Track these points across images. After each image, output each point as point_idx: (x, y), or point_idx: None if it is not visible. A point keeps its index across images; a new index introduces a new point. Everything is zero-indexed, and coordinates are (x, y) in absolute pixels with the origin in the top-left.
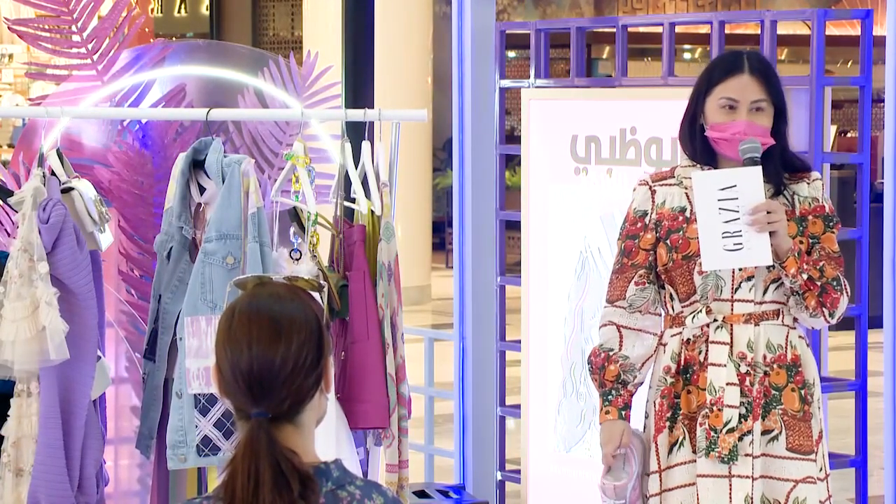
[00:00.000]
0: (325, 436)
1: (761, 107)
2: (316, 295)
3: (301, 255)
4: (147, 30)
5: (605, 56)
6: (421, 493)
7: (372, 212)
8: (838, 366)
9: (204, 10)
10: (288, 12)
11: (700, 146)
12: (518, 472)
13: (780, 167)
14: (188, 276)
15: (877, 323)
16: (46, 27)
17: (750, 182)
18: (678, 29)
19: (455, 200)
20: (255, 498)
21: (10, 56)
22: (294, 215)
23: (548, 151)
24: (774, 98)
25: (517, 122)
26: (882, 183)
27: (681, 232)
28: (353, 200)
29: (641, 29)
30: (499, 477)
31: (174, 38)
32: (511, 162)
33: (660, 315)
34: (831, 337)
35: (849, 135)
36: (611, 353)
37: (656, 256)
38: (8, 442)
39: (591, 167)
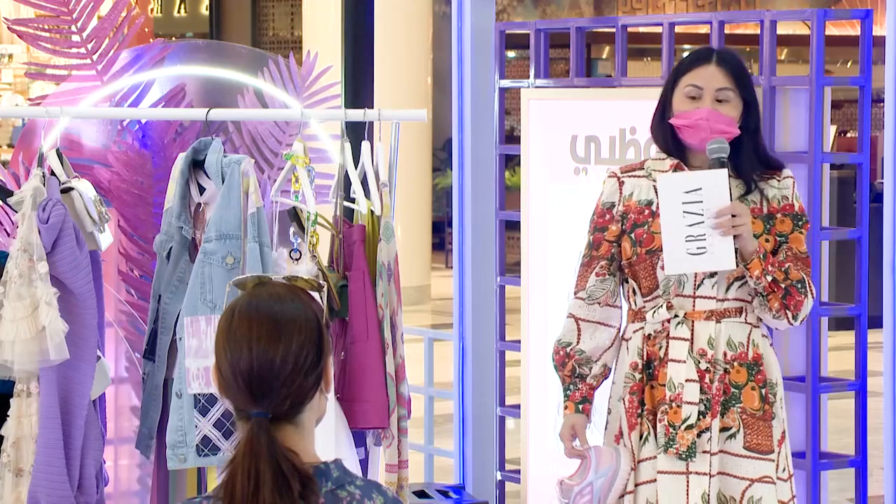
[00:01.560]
0: (324, 436)
1: (727, 97)
2: (316, 295)
3: (301, 255)
4: (147, 30)
5: (604, 56)
6: (421, 493)
7: (371, 212)
8: (838, 366)
9: (203, 10)
10: (287, 12)
11: (670, 138)
12: (518, 472)
13: (753, 164)
14: (188, 276)
15: (876, 323)
16: (46, 27)
17: (715, 185)
18: (678, 29)
19: (455, 200)
20: (255, 498)
21: (10, 56)
22: (294, 215)
23: (547, 151)
24: (741, 90)
25: (517, 122)
26: (882, 183)
27: (645, 226)
28: (353, 200)
29: (641, 29)
30: (498, 477)
31: (174, 38)
32: (511, 162)
33: (619, 308)
34: (831, 337)
35: (848, 135)
36: (569, 349)
37: (620, 249)
38: (8, 442)
39: (591, 167)
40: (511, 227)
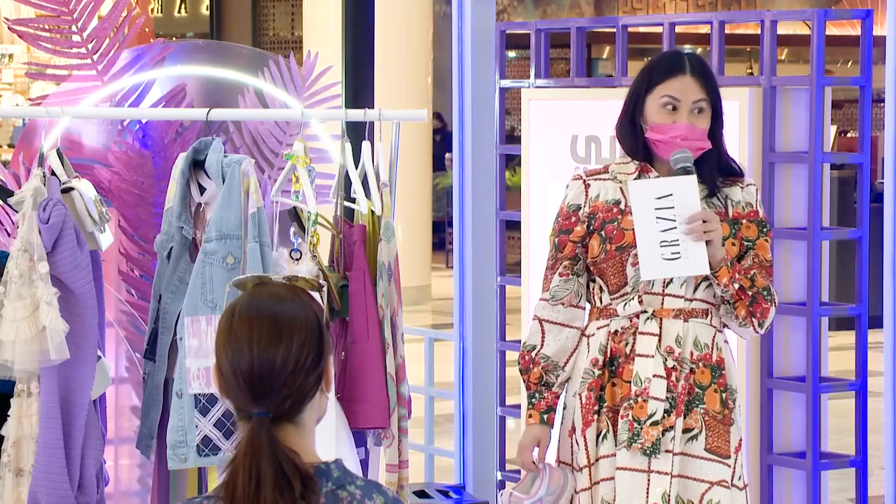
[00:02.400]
0: (325, 435)
1: (702, 107)
2: (316, 295)
3: (301, 255)
4: (147, 30)
5: (605, 56)
6: (421, 493)
7: (372, 212)
8: (838, 366)
9: (204, 10)
10: (288, 12)
11: (638, 143)
12: (518, 472)
13: (716, 170)
14: (188, 276)
15: (877, 323)
16: (46, 27)
17: (686, 191)
18: (678, 29)
19: (455, 200)
20: (257, 497)
21: (11, 56)
22: (294, 215)
23: (548, 151)
24: (713, 98)
25: (517, 122)
26: (882, 183)
27: (615, 223)
28: (354, 200)
29: (641, 29)
30: (499, 477)
31: (174, 38)
32: (511, 162)
33: (583, 309)
34: (831, 337)
35: (849, 135)
36: (534, 354)
37: (586, 248)
38: (8, 442)
39: (591, 167)
40: (511, 227)
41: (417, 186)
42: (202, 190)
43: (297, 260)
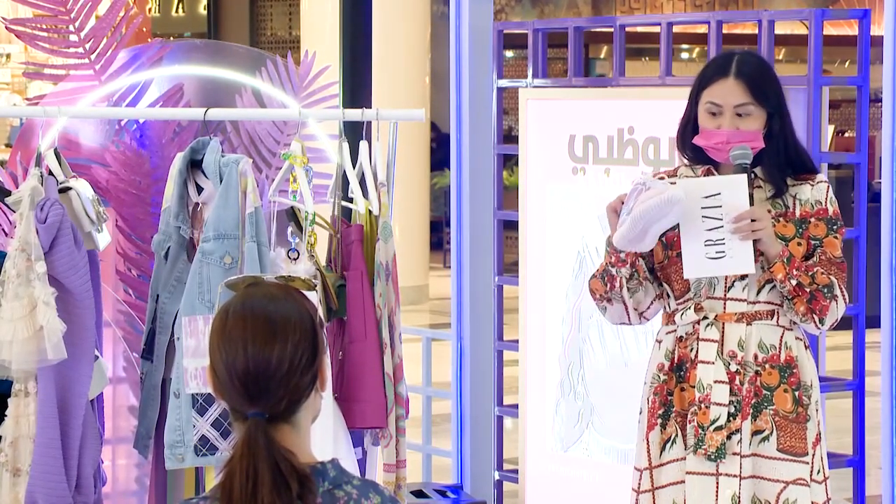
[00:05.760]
0: (322, 435)
1: (747, 111)
2: (310, 294)
3: (298, 254)
4: (144, 29)
5: (602, 56)
6: (418, 493)
7: (370, 211)
8: (836, 365)
9: (202, 9)
10: (285, 12)
11: (689, 150)
12: (516, 471)
13: (784, 168)
14: (186, 275)
15: (874, 323)
16: (44, 27)
17: (734, 190)
18: (676, 29)
19: (453, 200)
20: (254, 498)
21: (8, 56)
22: (292, 215)
23: (545, 151)
24: (763, 101)
25: (515, 121)
26: (879, 182)
27: (676, 229)
28: (351, 200)
29: (639, 29)
30: (496, 477)
31: (172, 38)
32: (509, 162)
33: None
34: (829, 337)
35: (846, 134)
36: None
37: (652, 253)
38: (5, 442)
39: (589, 167)
40: (509, 227)
41: (415, 186)
42: (200, 189)
43: (295, 260)
